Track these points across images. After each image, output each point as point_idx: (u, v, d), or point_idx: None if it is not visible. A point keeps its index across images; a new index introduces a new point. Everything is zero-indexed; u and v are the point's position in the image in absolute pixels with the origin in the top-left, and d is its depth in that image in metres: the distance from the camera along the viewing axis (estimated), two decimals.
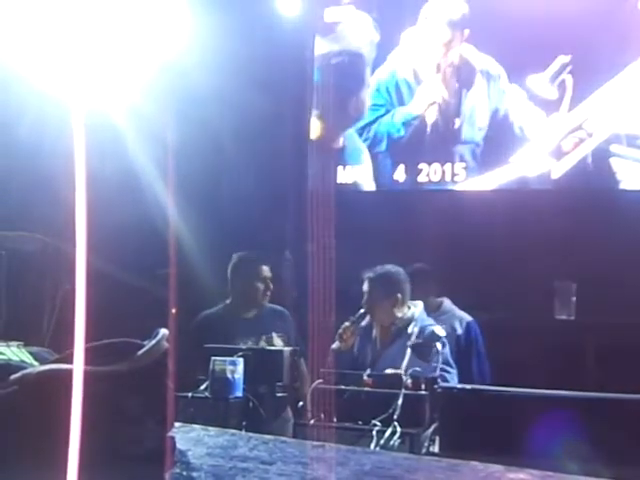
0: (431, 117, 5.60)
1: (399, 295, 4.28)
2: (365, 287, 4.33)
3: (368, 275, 4.34)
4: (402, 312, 4.28)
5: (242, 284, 4.61)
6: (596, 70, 5.13)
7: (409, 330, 4.19)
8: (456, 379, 4.07)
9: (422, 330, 4.17)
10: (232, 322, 4.59)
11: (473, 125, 5.52)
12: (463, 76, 5.55)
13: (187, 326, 4.67)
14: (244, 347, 4.13)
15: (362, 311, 4.32)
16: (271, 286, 4.61)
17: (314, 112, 5.75)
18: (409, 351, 4.04)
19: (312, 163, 5.77)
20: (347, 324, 4.26)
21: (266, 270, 4.61)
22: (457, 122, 5.54)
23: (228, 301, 4.69)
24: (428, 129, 5.62)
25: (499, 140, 5.46)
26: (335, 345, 4.22)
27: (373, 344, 4.33)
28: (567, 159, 5.27)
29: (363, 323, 4.34)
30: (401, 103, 5.72)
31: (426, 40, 5.62)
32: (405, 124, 5.69)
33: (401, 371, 3.90)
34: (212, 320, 4.67)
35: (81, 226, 1.62)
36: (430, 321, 4.29)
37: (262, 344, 4.45)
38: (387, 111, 5.75)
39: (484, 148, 5.50)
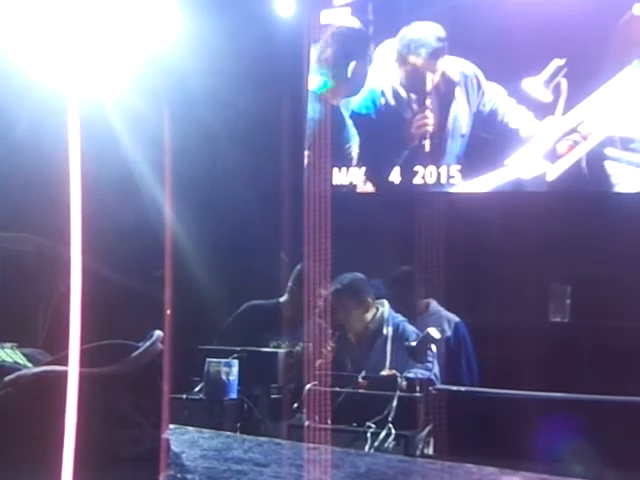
0: (421, 141, 5.64)
1: (369, 300, 4.37)
2: (334, 301, 4.39)
3: (333, 289, 4.40)
4: (372, 314, 4.36)
5: (301, 291, 4.67)
6: (591, 73, 5.13)
7: (384, 331, 4.28)
8: (437, 370, 4.10)
9: (396, 327, 4.26)
10: (278, 320, 4.65)
11: (457, 134, 5.54)
12: (445, 92, 5.57)
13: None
14: (239, 348, 4.12)
15: (336, 327, 4.38)
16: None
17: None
18: (389, 352, 4.10)
19: (308, 164, 5.77)
20: (331, 345, 4.30)
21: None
22: (443, 136, 5.56)
23: (282, 299, 4.76)
24: (419, 150, 5.65)
25: (483, 143, 5.46)
26: (317, 362, 4.23)
27: (351, 350, 4.36)
28: (562, 162, 5.27)
29: (339, 335, 4.39)
30: (387, 130, 5.72)
31: (410, 72, 5.63)
32: (402, 152, 5.72)
33: (396, 373, 3.91)
34: (259, 311, 4.74)
35: (76, 227, 1.63)
36: (400, 317, 4.38)
37: (297, 349, 4.49)
38: (371, 138, 5.77)
39: (468, 154, 5.51)
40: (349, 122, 5.86)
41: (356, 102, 5.84)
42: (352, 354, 4.36)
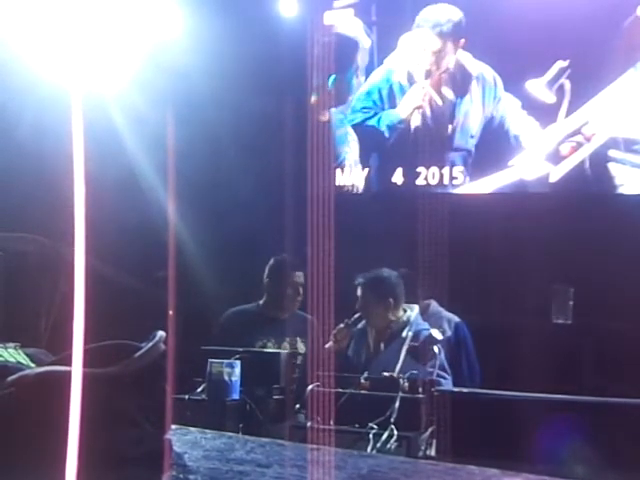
0: (417, 121, 5.61)
1: (391, 299, 4.30)
2: (358, 292, 4.37)
3: (360, 280, 4.37)
4: (396, 316, 4.30)
5: (277, 287, 4.67)
6: (594, 75, 5.12)
7: (403, 334, 4.22)
8: (451, 385, 4.08)
9: (417, 334, 4.20)
10: (261, 321, 4.66)
11: (466, 132, 5.53)
12: (458, 82, 5.56)
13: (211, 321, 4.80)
14: (242, 349, 4.12)
15: (357, 315, 4.35)
16: (301, 292, 4.67)
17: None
18: (403, 354, 4.07)
19: (311, 166, 5.76)
20: (341, 326, 4.28)
21: (300, 276, 4.68)
22: (449, 129, 5.55)
23: (261, 301, 4.76)
24: (414, 133, 5.62)
25: (491, 148, 5.46)
26: (328, 345, 4.24)
27: (367, 347, 4.35)
28: (565, 163, 5.27)
29: (359, 326, 4.36)
30: (392, 106, 5.73)
31: (419, 47, 5.62)
32: (390, 127, 5.69)
33: (398, 374, 3.90)
34: (241, 316, 4.74)
35: (80, 228, 1.63)
36: (425, 325, 4.31)
37: (285, 345, 4.50)
38: (375, 114, 5.76)
39: (475, 156, 5.50)
40: (345, 130, 5.87)
41: (361, 101, 5.84)
42: (365, 350, 4.34)
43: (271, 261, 4.80)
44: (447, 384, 4.01)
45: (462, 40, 5.50)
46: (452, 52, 5.53)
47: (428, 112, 5.59)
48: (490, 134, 5.48)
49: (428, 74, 5.61)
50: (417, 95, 5.61)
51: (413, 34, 5.66)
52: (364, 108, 5.82)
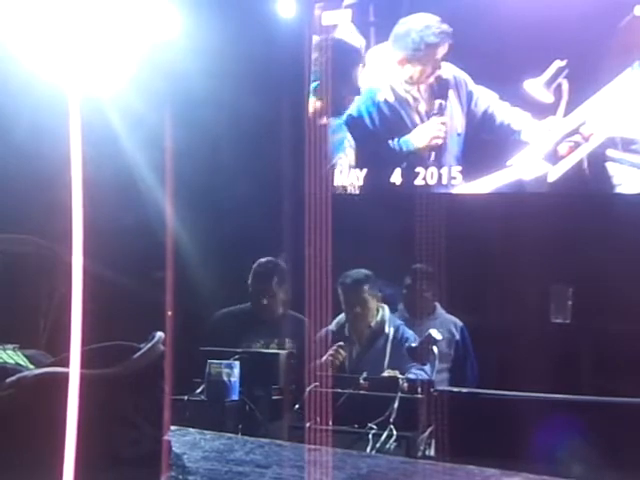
0: (426, 143, 5.65)
1: (375, 298, 4.42)
2: (342, 295, 4.45)
3: (341, 283, 4.46)
4: (375, 313, 4.42)
5: (260, 289, 4.67)
6: (592, 75, 5.12)
7: (386, 330, 4.35)
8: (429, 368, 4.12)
9: (397, 329, 4.33)
10: (249, 322, 4.68)
11: (454, 132, 5.55)
12: (441, 89, 5.57)
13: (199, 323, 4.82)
14: (240, 350, 4.12)
15: (341, 317, 4.45)
16: (282, 295, 4.68)
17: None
18: (389, 351, 4.12)
19: (309, 166, 5.76)
20: (341, 351, 4.31)
21: (275, 281, 4.69)
22: (444, 137, 5.57)
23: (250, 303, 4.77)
24: (421, 149, 5.66)
25: (479, 140, 5.47)
26: (324, 358, 4.26)
27: (352, 347, 4.39)
28: (563, 163, 5.27)
29: (333, 327, 4.44)
30: (387, 129, 5.72)
31: (402, 60, 5.63)
32: (406, 153, 5.71)
33: (397, 374, 3.92)
34: (229, 317, 4.77)
35: (77, 229, 1.63)
36: (399, 320, 4.45)
37: (273, 347, 4.51)
38: (372, 140, 5.77)
39: (466, 153, 5.51)
40: (342, 133, 5.86)
41: (356, 104, 5.84)
42: (352, 351, 4.39)
43: (255, 265, 4.80)
44: (426, 371, 4.04)
45: (447, 47, 5.51)
46: (437, 61, 5.54)
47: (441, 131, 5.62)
48: (476, 130, 5.48)
49: (414, 86, 5.61)
50: (430, 128, 5.61)
51: (389, 47, 5.66)
52: (361, 138, 5.82)
